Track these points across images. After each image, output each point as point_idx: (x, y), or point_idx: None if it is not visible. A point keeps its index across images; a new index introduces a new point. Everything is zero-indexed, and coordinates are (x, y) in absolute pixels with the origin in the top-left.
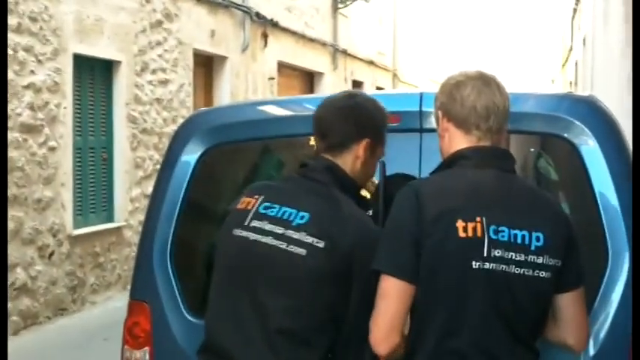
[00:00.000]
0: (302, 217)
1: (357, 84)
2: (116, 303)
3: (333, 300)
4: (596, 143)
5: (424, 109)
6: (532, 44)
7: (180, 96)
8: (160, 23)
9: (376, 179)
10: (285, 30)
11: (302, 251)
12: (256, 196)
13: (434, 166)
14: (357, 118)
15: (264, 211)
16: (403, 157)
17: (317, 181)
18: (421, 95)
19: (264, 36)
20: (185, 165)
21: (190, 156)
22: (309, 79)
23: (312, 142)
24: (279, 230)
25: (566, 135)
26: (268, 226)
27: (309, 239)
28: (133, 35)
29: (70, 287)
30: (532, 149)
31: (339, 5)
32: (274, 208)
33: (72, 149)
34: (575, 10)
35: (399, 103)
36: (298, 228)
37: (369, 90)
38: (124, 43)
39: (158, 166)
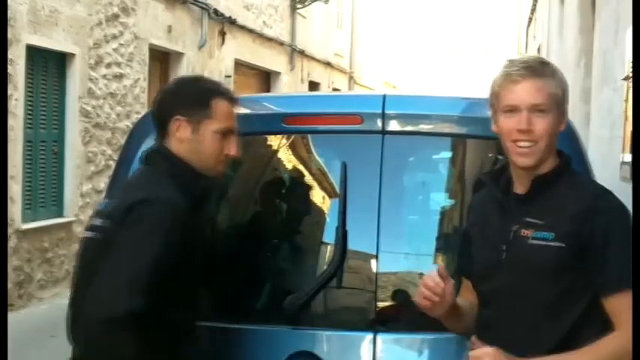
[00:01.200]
0: (106, 205)
1: (313, 85)
2: (64, 300)
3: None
4: None
5: (387, 111)
6: (487, 52)
7: (135, 91)
8: (116, 17)
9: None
10: (242, 28)
11: (92, 234)
12: None
13: (396, 168)
14: (162, 99)
15: (99, 208)
16: (365, 159)
17: (152, 167)
18: (384, 97)
19: (222, 33)
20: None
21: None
22: (266, 78)
23: (272, 140)
24: (96, 222)
25: None
26: (96, 221)
27: (99, 222)
28: (88, 28)
29: (17, 282)
30: (490, 154)
31: (298, 5)
32: (104, 202)
33: (22, 142)
34: (530, 20)
35: (361, 104)
36: (98, 214)
37: (325, 91)
38: (79, 35)
39: (110, 162)
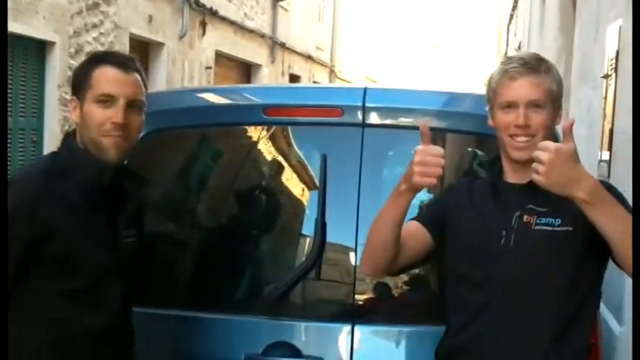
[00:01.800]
0: None
1: (294, 78)
2: None
3: None
4: None
5: (367, 104)
6: (469, 47)
7: None
8: (96, 5)
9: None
10: (224, 19)
11: None
12: None
13: (375, 161)
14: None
15: None
16: (344, 151)
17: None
18: (364, 90)
19: (203, 24)
20: None
21: None
22: (247, 70)
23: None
24: None
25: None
26: None
27: None
28: (68, 16)
29: None
30: (469, 149)
31: None
32: None
33: None
34: (511, 17)
35: (342, 97)
36: None
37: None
38: (59, 23)
39: None
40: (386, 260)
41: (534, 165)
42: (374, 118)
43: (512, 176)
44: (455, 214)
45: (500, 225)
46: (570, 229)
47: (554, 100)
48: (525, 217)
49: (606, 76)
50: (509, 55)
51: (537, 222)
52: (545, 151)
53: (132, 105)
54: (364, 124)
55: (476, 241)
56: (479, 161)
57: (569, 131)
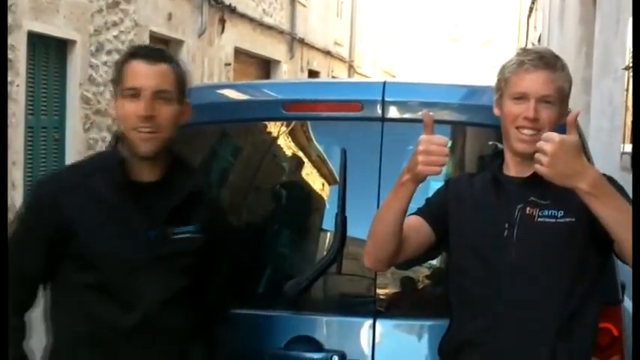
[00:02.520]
0: None
1: (313, 73)
2: None
3: None
4: None
5: (386, 98)
6: (487, 42)
7: None
8: (116, 4)
9: None
10: (242, 16)
11: None
12: None
13: (395, 155)
14: None
15: None
16: (364, 146)
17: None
18: (384, 84)
19: (222, 21)
20: None
21: None
22: (266, 66)
23: (270, 128)
24: None
25: None
26: None
27: None
28: (88, 15)
29: None
30: (490, 142)
31: None
32: None
33: (24, 128)
34: (531, 9)
35: (361, 91)
36: None
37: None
38: (79, 22)
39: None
40: (388, 253)
41: (537, 155)
42: (393, 113)
43: (513, 169)
44: (457, 208)
45: (503, 218)
46: (574, 219)
47: (563, 99)
48: (528, 209)
49: (627, 68)
50: (526, 47)
51: (540, 214)
52: (549, 142)
53: (158, 96)
54: (384, 119)
55: (479, 235)
56: (480, 155)
57: (573, 123)
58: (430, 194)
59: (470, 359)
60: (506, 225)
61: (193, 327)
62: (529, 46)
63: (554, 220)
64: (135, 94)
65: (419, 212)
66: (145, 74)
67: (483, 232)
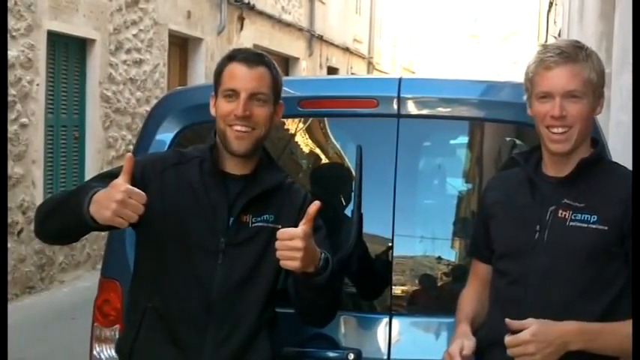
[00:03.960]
0: None
1: (332, 70)
2: (85, 282)
3: None
4: None
5: (402, 94)
6: (507, 37)
7: (155, 76)
8: (135, 3)
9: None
10: (261, 14)
11: None
12: None
13: (411, 152)
14: None
15: None
16: (380, 142)
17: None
18: (399, 80)
19: (241, 19)
20: (160, 144)
21: (165, 135)
22: (285, 63)
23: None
24: None
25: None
26: None
27: None
28: (108, 14)
29: (39, 265)
30: (508, 138)
31: None
32: None
33: (44, 127)
34: (550, 4)
35: (376, 88)
36: None
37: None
38: (99, 21)
39: (131, 147)
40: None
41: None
42: (409, 109)
43: (550, 169)
44: (493, 212)
45: (535, 219)
46: (606, 228)
47: (594, 90)
48: (560, 212)
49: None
50: (546, 43)
51: (573, 217)
52: (521, 345)
53: (254, 98)
54: (399, 115)
55: (511, 236)
56: (516, 152)
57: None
58: (447, 189)
59: (494, 358)
60: (538, 227)
61: (260, 316)
62: (550, 40)
63: (586, 226)
64: (233, 94)
65: (474, 254)
66: (243, 77)
67: (515, 233)
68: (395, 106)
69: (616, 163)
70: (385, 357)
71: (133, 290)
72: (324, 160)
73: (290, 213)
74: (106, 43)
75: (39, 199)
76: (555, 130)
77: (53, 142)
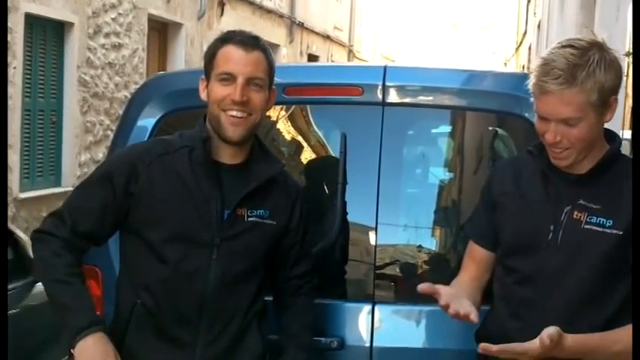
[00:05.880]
0: None
1: (312, 58)
2: None
3: None
4: None
5: (387, 82)
6: (486, 27)
7: (134, 61)
8: None
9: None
10: (242, 0)
11: None
12: None
13: (396, 140)
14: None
15: None
16: (364, 130)
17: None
18: (385, 68)
19: (221, 4)
20: (141, 130)
21: (147, 121)
22: None
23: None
24: None
25: (525, 114)
26: None
27: None
28: None
29: None
30: (490, 127)
31: None
32: None
33: (20, 111)
34: None
35: (362, 75)
36: None
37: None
38: (77, 4)
39: (109, 132)
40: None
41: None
42: (394, 97)
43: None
44: (502, 202)
45: (549, 218)
46: (621, 233)
47: (595, 108)
48: (576, 213)
49: (628, 54)
50: (551, 54)
51: (588, 220)
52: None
53: (251, 82)
54: (384, 103)
55: (524, 234)
56: (500, 140)
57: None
58: (429, 178)
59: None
60: (552, 227)
61: (251, 309)
62: (530, 31)
63: (601, 230)
64: (229, 78)
65: (472, 234)
66: (239, 60)
67: (527, 230)
68: (380, 94)
69: (633, 159)
70: (368, 344)
71: (120, 284)
72: (309, 147)
73: (285, 207)
74: (85, 26)
75: (15, 185)
76: (555, 149)
77: (30, 126)
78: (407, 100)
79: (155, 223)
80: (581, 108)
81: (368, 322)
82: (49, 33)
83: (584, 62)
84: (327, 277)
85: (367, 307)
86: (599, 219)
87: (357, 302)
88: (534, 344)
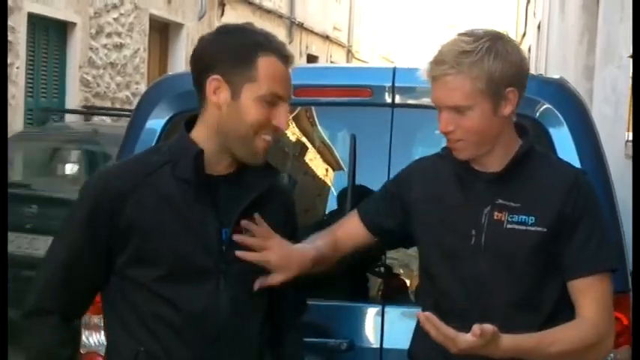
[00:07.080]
0: None
1: (312, 58)
2: None
3: None
4: (566, 125)
5: (397, 84)
6: (485, 27)
7: (135, 61)
8: None
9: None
10: (242, 0)
11: None
12: None
13: (405, 141)
14: (199, 50)
15: None
16: (374, 132)
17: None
18: (394, 70)
19: (222, 5)
20: (151, 131)
21: (157, 121)
22: None
23: None
24: None
25: (534, 116)
26: None
27: None
28: None
29: None
30: None
31: None
32: None
33: (23, 110)
34: None
35: (371, 77)
36: None
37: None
38: (79, 4)
39: None
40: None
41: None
42: (403, 98)
43: (477, 163)
44: (417, 208)
45: (469, 223)
46: (545, 230)
47: (486, 98)
48: (496, 213)
49: (632, 56)
50: (442, 44)
51: (509, 219)
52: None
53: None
54: (394, 104)
55: (445, 240)
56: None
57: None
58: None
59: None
60: (473, 232)
61: (261, 335)
62: (530, 32)
63: (524, 228)
64: (275, 101)
65: (361, 212)
66: (287, 80)
67: (449, 237)
68: (389, 96)
69: (547, 153)
70: (378, 346)
71: (114, 330)
72: (317, 149)
73: (280, 217)
74: (87, 26)
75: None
76: (449, 140)
77: (32, 125)
78: (416, 101)
79: (147, 260)
80: (469, 95)
81: (377, 324)
82: (51, 33)
83: (471, 49)
84: (336, 278)
85: (377, 309)
86: (520, 217)
87: (366, 303)
88: (466, 335)
